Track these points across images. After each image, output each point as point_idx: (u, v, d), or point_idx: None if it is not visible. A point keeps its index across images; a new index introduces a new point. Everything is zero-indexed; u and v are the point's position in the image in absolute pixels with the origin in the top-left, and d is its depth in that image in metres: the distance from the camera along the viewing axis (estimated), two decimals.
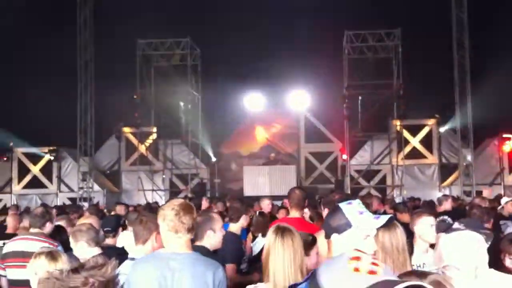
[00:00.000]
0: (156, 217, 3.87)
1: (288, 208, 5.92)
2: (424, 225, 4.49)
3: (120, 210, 9.48)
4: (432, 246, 4.55)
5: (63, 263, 3.62)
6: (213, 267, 3.31)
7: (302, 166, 23.18)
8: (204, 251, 3.97)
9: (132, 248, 4.15)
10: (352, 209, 2.68)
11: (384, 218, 2.63)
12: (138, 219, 4.09)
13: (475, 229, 3.44)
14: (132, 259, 3.85)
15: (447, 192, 19.69)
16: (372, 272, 1.32)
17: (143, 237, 3.95)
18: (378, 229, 3.14)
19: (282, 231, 3.20)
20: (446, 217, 7.65)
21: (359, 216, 2.64)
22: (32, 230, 5.46)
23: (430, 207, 8.56)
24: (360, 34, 20.98)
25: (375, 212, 6.61)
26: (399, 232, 3.27)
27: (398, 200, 13.53)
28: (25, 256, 4.88)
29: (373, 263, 1.36)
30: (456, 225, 3.58)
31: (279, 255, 3.10)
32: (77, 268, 1.48)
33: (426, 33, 19.34)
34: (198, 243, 4.14)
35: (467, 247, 2.76)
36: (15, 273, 5.10)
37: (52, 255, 3.66)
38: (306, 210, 5.14)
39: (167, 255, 3.31)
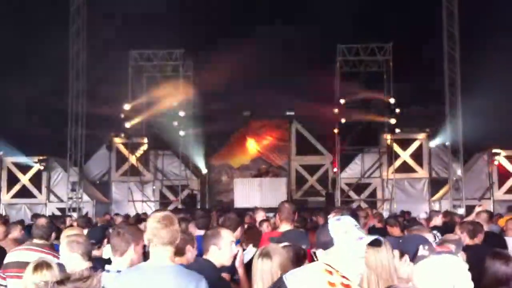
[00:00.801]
0: (134, 229, 3.86)
1: (278, 221, 5.92)
2: None
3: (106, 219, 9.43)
4: None
5: (52, 274, 3.58)
6: (195, 279, 3.28)
7: (293, 179, 23.20)
8: (206, 265, 3.97)
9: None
10: (338, 226, 2.58)
11: (367, 240, 2.52)
12: (115, 231, 4.05)
13: (416, 243, 3.51)
14: (108, 271, 3.79)
15: (437, 206, 19.77)
16: (346, 286, 1.32)
17: (120, 249, 3.89)
18: None
19: (263, 256, 3.58)
20: (436, 231, 7.68)
21: (343, 235, 2.53)
22: (37, 241, 5.39)
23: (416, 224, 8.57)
24: (353, 48, 21.13)
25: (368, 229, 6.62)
26: (384, 248, 3.21)
27: (385, 213, 13.54)
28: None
29: (343, 277, 1.36)
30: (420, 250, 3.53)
31: (260, 279, 3.46)
32: (63, 280, 1.47)
33: (417, 47, 19.50)
34: (204, 257, 4.14)
35: (437, 273, 2.76)
36: (16, 284, 5.04)
37: (39, 266, 3.63)
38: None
39: (149, 267, 3.29)
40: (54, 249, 5.31)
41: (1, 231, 7.04)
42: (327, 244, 2.50)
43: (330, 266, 1.38)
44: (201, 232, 5.52)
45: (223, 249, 4.10)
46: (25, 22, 19.58)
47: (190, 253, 4.45)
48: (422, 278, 2.80)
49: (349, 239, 2.49)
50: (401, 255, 3.56)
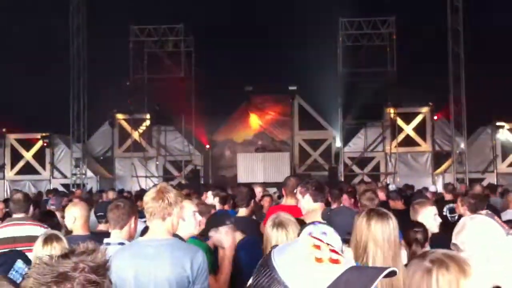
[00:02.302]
0: (131, 202, 3.89)
1: (284, 195, 5.92)
2: (428, 216, 4.51)
3: (112, 195, 9.46)
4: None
5: (61, 246, 3.59)
6: (191, 252, 3.28)
7: (296, 153, 23.19)
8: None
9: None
10: (312, 229, 2.67)
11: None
12: (113, 204, 4.08)
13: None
14: (108, 244, 3.83)
15: (440, 180, 19.79)
16: (334, 261, 1.29)
17: (120, 223, 3.95)
18: (371, 219, 3.12)
19: (278, 223, 3.57)
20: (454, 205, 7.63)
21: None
22: (16, 215, 5.39)
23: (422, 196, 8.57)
24: (355, 22, 20.94)
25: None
26: (392, 224, 3.18)
27: (391, 187, 13.54)
28: (16, 241, 4.86)
29: (332, 250, 1.33)
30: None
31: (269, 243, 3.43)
32: (67, 253, 1.47)
33: (420, 21, 19.31)
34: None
35: (487, 232, 2.73)
36: None
37: (56, 237, 3.66)
38: (299, 196, 5.13)
39: (145, 242, 3.31)
40: (35, 221, 5.32)
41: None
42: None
43: (319, 239, 1.35)
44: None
45: (188, 219, 4.02)
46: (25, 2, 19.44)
47: (204, 226, 4.43)
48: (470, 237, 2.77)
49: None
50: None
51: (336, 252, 1.32)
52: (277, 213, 3.85)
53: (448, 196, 9.28)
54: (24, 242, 4.76)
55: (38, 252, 3.57)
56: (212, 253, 4.11)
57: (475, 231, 2.76)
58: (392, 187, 12.70)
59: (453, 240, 2.87)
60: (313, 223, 2.72)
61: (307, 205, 4.89)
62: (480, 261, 2.56)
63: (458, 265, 1.89)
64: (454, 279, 1.86)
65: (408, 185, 16.27)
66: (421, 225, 4.19)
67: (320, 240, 1.35)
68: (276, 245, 1.41)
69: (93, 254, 1.47)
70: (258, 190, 8.39)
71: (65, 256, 1.45)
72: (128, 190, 18.09)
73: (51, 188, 19.74)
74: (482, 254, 2.61)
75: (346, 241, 3.51)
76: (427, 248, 4.07)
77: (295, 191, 5.39)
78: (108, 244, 3.82)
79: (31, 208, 5.59)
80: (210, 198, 6.91)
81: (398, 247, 3.19)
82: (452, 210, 7.45)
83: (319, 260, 1.27)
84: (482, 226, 2.79)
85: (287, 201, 5.65)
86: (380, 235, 3.10)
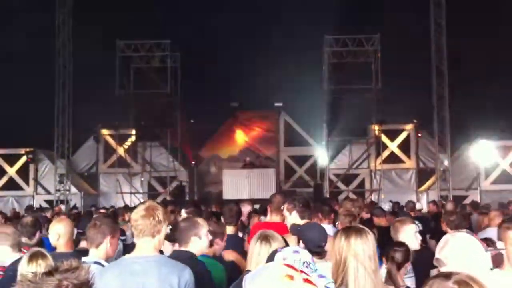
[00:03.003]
0: (111, 221, 3.88)
1: (269, 212, 5.91)
2: (409, 234, 4.54)
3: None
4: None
5: (46, 263, 3.57)
6: (178, 269, 3.29)
7: (282, 170, 23.22)
8: (186, 256, 3.97)
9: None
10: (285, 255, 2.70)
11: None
12: (92, 222, 4.07)
13: None
14: (84, 262, 3.80)
15: (424, 196, 19.91)
16: None
17: (96, 241, 3.94)
18: (350, 236, 3.16)
19: (261, 239, 3.51)
20: (417, 222, 7.72)
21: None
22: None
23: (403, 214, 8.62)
24: (340, 39, 21.12)
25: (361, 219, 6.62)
26: (371, 239, 3.24)
27: (387, 206, 13.57)
28: None
29: (306, 280, 1.31)
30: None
31: (258, 258, 3.36)
32: (51, 270, 1.46)
33: (405, 38, 19.53)
34: (182, 248, 4.13)
35: (467, 249, 2.76)
36: None
37: (41, 254, 3.63)
38: (286, 213, 5.15)
39: (132, 259, 3.31)
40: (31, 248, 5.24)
41: None
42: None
43: (292, 268, 1.32)
44: None
45: (203, 238, 4.11)
46: (10, 13, 19.33)
47: (218, 246, 4.46)
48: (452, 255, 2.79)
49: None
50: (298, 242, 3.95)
51: (310, 282, 1.29)
52: (264, 229, 3.87)
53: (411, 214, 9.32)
54: None
55: (23, 269, 3.54)
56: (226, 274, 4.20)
57: (457, 246, 2.81)
58: (388, 205, 12.68)
59: (437, 255, 2.91)
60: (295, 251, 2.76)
61: (294, 222, 4.91)
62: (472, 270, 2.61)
63: None
64: None
65: (392, 202, 16.33)
66: (403, 244, 4.20)
67: (294, 268, 1.32)
68: (249, 271, 1.39)
69: (77, 271, 1.47)
70: (248, 209, 8.31)
71: (49, 273, 1.45)
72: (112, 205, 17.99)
73: (33, 204, 19.57)
74: (464, 268, 2.64)
75: (317, 253, 3.75)
76: (408, 268, 4.10)
77: (282, 207, 5.40)
78: (83, 262, 3.78)
79: (38, 233, 5.51)
80: (183, 215, 6.86)
81: (377, 262, 3.24)
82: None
83: None
84: (464, 242, 2.84)
85: (272, 217, 5.66)
86: (361, 251, 3.13)
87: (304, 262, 2.60)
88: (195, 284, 3.33)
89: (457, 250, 2.79)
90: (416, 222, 7.38)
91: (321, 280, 2.66)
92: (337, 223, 6.51)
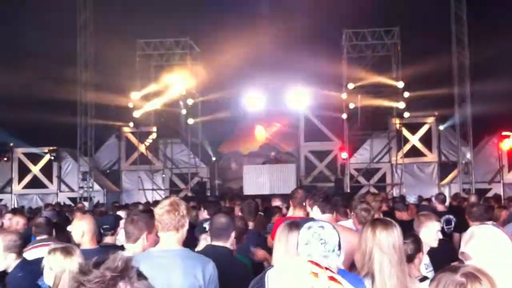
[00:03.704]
0: (148, 217, 3.95)
1: (292, 207, 5.95)
2: (431, 231, 4.55)
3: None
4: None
5: (77, 257, 3.68)
6: (202, 262, 3.38)
7: (302, 165, 23.18)
8: (226, 252, 4.05)
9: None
10: (304, 235, 2.78)
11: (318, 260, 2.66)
12: (129, 218, 4.13)
13: None
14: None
15: (446, 190, 19.74)
16: None
17: (133, 236, 3.99)
18: (375, 227, 3.22)
19: (289, 225, 3.53)
20: (450, 216, 7.70)
21: (302, 247, 2.75)
22: (40, 237, 5.47)
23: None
24: (359, 33, 21.00)
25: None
26: (396, 231, 3.30)
27: (413, 199, 13.50)
28: None
29: (331, 278, 1.32)
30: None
31: (283, 244, 3.40)
32: (96, 263, 1.51)
33: (425, 31, 19.36)
34: (222, 244, 4.22)
35: (495, 240, 2.75)
36: None
37: (67, 251, 3.71)
38: (308, 209, 5.18)
39: (157, 253, 3.39)
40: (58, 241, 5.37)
41: (22, 222, 7.01)
42: (296, 246, 2.78)
43: (317, 265, 1.33)
44: None
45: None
46: (32, 13, 19.59)
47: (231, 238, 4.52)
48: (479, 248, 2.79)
49: (303, 252, 2.70)
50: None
51: (335, 280, 1.30)
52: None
53: (440, 207, 9.20)
54: None
55: (60, 264, 3.64)
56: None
57: (483, 239, 2.81)
58: (413, 198, 12.65)
59: (462, 249, 2.92)
60: (309, 227, 2.81)
61: (316, 217, 4.94)
62: (491, 267, 2.62)
63: (489, 280, 1.94)
64: None
65: (422, 197, 16.24)
66: (411, 235, 4.22)
67: (319, 266, 1.32)
68: (271, 266, 1.40)
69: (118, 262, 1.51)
70: (278, 204, 8.32)
71: (95, 265, 1.50)
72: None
73: (58, 201, 19.86)
74: (493, 261, 2.66)
75: None
76: (421, 258, 4.11)
77: (303, 203, 5.44)
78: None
79: (54, 230, 5.67)
80: (203, 212, 6.93)
81: (402, 254, 3.30)
82: (448, 222, 7.47)
83: None
84: (490, 234, 2.83)
85: (295, 213, 5.70)
86: (385, 243, 3.23)
87: (321, 239, 2.68)
88: (238, 279, 3.40)
89: (483, 243, 2.78)
90: (451, 217, 7.33)
91: None
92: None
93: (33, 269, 4.23)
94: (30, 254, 5.22)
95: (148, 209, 9.32)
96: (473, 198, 8.17)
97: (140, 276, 1.52)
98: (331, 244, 2.74)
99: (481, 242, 2.78)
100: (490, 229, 2.93)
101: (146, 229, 3.95)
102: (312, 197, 5.14)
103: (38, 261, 3.93)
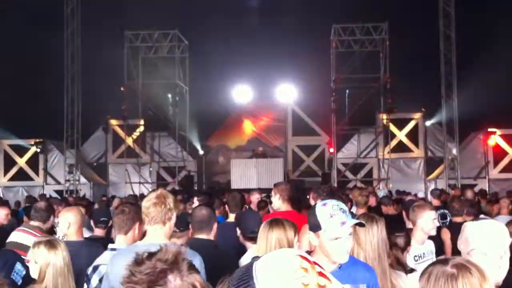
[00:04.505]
0: (138, 208, 3.93)
1: (281, 200, 5.93)
2: (428, 219, 4.60)
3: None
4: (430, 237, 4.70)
5: (62, 250, 3.66)
6: (189, 255, 3.35)
7: (290, 159, 23.25)
8: (210, 244, 4.05)
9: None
10: (324, 211, 2.79)
11: (349, 223, 2.72)
12: (120, 209, 4.11)
13: None
14: (113, 249, 3.85)
15: (432, 185, 19.88)
16: (321, 287, 1.27)
17: (125, 227, 3.96)
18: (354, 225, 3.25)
19: (270, 223, 3.53)
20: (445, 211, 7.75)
21: (329, 220, 2.76)
22: (33, 223, 5.41)
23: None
24: (348, 28, 21.01)
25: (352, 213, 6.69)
26: (375, 228, 3.34)
27: (382, 193, 13.62)
28: (19, 248, 4.88)
29: (320, 273, 1.31)
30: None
31: (265, 242, 3.44)
32: (147, 256, 1.52)
33: (413, 26, 19.45)
34: (205, 237, 4.21)
35: (494, 235, 2.77)
36: None
37: (51, 243, 3.69)
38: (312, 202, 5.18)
39: (144, 246, 3.36)
40: (43, 233, 5.33)
41: (4, 213, 6.97)
42: (316, 227, 2.79)
43: (306, 259, 1.32)
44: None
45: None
46: (18, 4, 19.43)
47: (214, 230, 4.49)
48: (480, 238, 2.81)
49: (333, 224, 2.73)
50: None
51: (324, 276, 1.29)
52: (274, 217, 3.96)
53: (435, 202, 9.33)
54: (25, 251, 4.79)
55: (45, 257, 3.63)
56: None
57: (475, 232, 2.83)
58: (383, 192, 12.73)
59: (458, 244, 2.93)
60: (324, 204, 2.85)
61: None
62: (494, 259, 2.68)
63: (479, 270, 1.97)
64: (477, 284, 1.94)
65: (399, 191, 16.37)
66: (403, 229, 4.28)
67: (308, 260, 1.31)
68: (257, 257, 1.40)
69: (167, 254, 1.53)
70: (256, 197, 8.30)
71: (149, 257, 1.50)
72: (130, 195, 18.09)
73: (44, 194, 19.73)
74: (496, 252, 2.70)
75: (251, 238, 4.11)
76: (409, 251, 4.16)
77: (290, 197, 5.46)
78: (113, 249, 3.83)
79: (52, 218, 5.60)
80: (196, 204, 6.93)
81: (382, 250, 3.31)
82: (443, 216, 7.53)
83: (306, 286, 1.25)
84: (491, 227, 2.85)
85: (283, 206, 5.68)
86: (363, 238, 3.31)
87: (341, 208, 2.77)
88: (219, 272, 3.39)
89: (488, 235, 2.78)
90: (446, 211, 7.39)
91: None
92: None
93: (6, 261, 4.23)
94: (14, 235, 5.20)
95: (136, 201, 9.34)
96: (469, 193, 8.20)
97: (191, 269, 1.52)
98: (348, 212, 2.82)
99: (484, 235, 2.80)
100: (490, 222, 2.96)
101: (137, 220, 3.93)
102: (317, 191, 5.18)
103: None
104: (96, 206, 10.51)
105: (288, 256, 1.34)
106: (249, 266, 1.36)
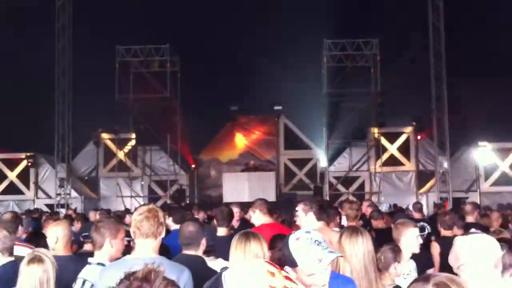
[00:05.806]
0: (112, 223, 3.94)
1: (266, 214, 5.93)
2: (411, 237, 4.58)
3: (93, 216, 9.40)
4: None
5: (49, 265, 3.63)
6: (177, 271, 3.35)
7: (282, 173, 23.27)
8: (198, 260, 4.04)
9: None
10: (298, 247, 2.61)
11: (327, 259, 2.55)
12: (94, 225, 4.13)
13: None
14: (89, 263, 3.89)
15: (424, 199, 19.92)
16: None
17: (98, 243, 3.98)
18: (341, 235, 3.27)
19: (246, 234, 3.56)
20: (424, 223, 7.79)
21: (304, 257, 2.58)
22: None
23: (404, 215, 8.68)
24: (339, 43, 21.16)
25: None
26: (361, 240, 3.34)
27: (385, 207, 13.62)
28: None
29: (287, 277, 1.33)
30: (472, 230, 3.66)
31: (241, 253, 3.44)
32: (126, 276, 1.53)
33: (404, 42, 19.61)
34: (193, 253, 4.20)
35: (484, 249, 2.78)
36: None
37: (39, 258, 3.66)
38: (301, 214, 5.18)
39: (132, 260, 3.35)
40: (20, 241, 5.28)
41: None
42: (292, 264, 2.58)
43: (273, 265, 1.34)
44: (177, 227, 5.54)
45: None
46: (10, 19, 19.41)
47: (202, 246, 4.48)
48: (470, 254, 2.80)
49: (309, 261, 2.54)
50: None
51: (290, 279, 1.31)
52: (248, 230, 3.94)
53: (416, 215, 9.44)
54: None
55: (24, 271, 3.59)
56: None
57: (476, 246, 2.82)
58: (385, 206, 12.70)
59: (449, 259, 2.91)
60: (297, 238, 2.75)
61: (309, 223, 4.92)
62: (485, 273, 2.69)
63: None
64: None
65: (390, 205, 16.36)
66: (390, 244, 4.26)
67: (274, 266, 1.34)
68: (226, 268, 1.42)
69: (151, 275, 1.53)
70: (236, 210, 8.23)
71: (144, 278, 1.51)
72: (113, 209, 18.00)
73: (35, 208, 19.59)
74: (487, 266, 2.72)
75: (207, 252, 4.24)
76: (397, 268, 4.13)
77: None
78: (89, 263, 3.87)
79: (20, 228, 5.57)
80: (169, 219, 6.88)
81: (369, 262, 3.31)
82: (422, 229, 7.54)
83: None
84: (482, 241, 2.85)
85: (267, 219, 5.68)
86: (348, 251, 3.31)
87: (315, 241, 2.60)
88: None
89: (479, 250, 2.79)
90: (425, 224, 7.42)
91: None
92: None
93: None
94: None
95: (115, 216, 9.26)
96: (468, 207, 8.18)
97: (169, 285, 1.53)
98: (323, 242, 2.69)
99: (475, 249, 2.80)
100: (481, 236, 2.96)
101: (108, 235, 3.93)
102: (308, 204, 5.18)
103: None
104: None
105: (255, 263, 1.38)
106: (219, 275, 1.39)
